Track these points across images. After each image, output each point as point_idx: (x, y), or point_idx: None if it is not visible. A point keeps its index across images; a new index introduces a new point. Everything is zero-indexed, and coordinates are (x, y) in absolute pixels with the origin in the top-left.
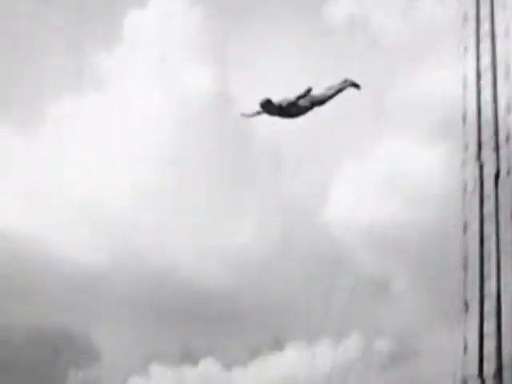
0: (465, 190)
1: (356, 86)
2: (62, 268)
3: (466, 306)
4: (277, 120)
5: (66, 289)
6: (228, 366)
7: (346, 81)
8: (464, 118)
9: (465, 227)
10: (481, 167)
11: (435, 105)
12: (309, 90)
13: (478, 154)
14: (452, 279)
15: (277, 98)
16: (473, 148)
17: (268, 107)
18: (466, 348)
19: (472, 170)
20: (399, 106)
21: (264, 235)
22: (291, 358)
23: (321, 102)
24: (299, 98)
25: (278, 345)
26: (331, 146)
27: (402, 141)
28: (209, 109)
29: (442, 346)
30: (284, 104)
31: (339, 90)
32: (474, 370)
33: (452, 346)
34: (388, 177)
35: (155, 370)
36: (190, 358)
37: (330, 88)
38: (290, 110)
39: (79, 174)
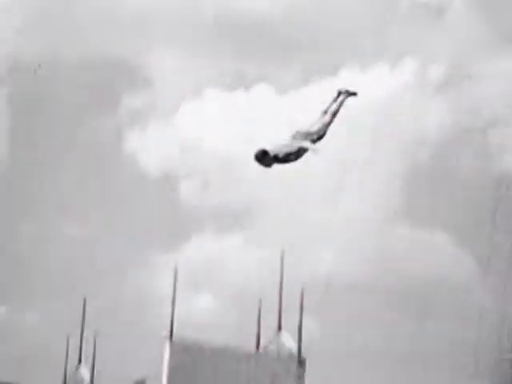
0: None
1: (352, 94)
2: None
3: None
4: None
5: (116, 18)
6: (281, 91)
7: (339, 93)
8: None
9: None
10: None
11: None
12: (314, 141)
13: None
14: None
15: (272, 147)
16: None
17: (264, 160)
18: None
19: None
20: None
21: None
22: (345, 82)
23: (321, 136)
24: (303, 149)
25: (331, 69)
26: None
27: None
28: None
29: (496, 72)
30: (281, 155)
31: (336, 111)
32: None
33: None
34: None
35: (208, 94)
36: (243, 82)
37: (325, 112)
38: (288, 157)
39: None
